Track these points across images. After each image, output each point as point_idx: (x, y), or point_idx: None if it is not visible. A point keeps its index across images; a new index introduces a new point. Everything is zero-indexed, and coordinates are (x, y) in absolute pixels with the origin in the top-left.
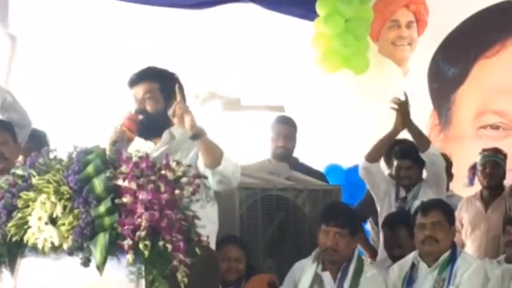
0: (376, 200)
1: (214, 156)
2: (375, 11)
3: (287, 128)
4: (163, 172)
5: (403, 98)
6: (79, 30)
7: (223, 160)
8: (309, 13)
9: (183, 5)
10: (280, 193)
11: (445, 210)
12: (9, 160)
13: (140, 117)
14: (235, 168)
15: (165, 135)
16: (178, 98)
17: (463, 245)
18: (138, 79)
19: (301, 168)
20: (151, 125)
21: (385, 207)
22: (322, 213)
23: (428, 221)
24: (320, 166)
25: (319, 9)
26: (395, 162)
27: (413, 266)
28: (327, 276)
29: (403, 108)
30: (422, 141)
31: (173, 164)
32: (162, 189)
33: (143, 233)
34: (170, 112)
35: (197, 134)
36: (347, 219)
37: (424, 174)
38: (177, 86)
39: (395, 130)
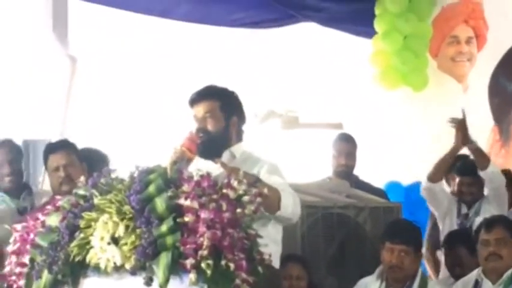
0: (438, 218)
1: (273, 204)
2: (434, 27)
3: (348, 145)
4: (224, 191)
5: (461, 116)
6: (139, 51)
7: (281, 203)
8: (368, 30)
9: (244, 24)
10: (342, 211)
11: (508, 226)
12: (75, 182)
13: (201, 135)
14: (294, 206)
15: (226, 154)
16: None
17: None
18: (198, 98)
19: (362, 185)
20: (212, 143)
21: (446, 225)
22: (386, 230)
23: (492, 238)
24: (380, 183)
25: (378, 26)
26: (457, 179)
27: (476, 283)
28: None
29: (461, 126)
30: (482, 159)
31: (234, 183)
32: (224, 208)
33: (205, 252)
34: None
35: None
36: (412, 237)
37: (486, 190)
38: (220, 163)
39: (456, 148)
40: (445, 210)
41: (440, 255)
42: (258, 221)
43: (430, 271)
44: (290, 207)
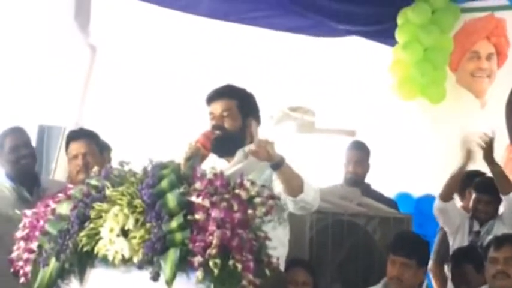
0: (449, 234)
1: (296, 184)
2: (456, 41)
3: (358, 153)
4: (237, 191)
5: (490, 135)
6: (160, 44)
7: (304, 187)
8: (389, 39)
9: (267, 25)
10: (352, 219)
11: None
12: None
13: (217, 133)
14: (316, 194)
15: (239, 153)
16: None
17: None
18: (217, 96)
19: (373, 194)
20: (227, 142)
21: (457, 241)
22: (392, 242)
23: (501, 256)
24: (390, 193)
25: (399, 36)
26: (474, 195)
27: None
28: None
29: (489, 146)
30: (506, 183)
31: (247, 184)
32: (235, 208)
33: (214, 251)
34: (251, 147)
35: (278, 164)
36: (415, 250)
37: (501, 210)
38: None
39: (464, 165)
40: (456, 227)
41: (448, 270)
42: (268, 223)
43: (435, 285)
44: (312, 192)
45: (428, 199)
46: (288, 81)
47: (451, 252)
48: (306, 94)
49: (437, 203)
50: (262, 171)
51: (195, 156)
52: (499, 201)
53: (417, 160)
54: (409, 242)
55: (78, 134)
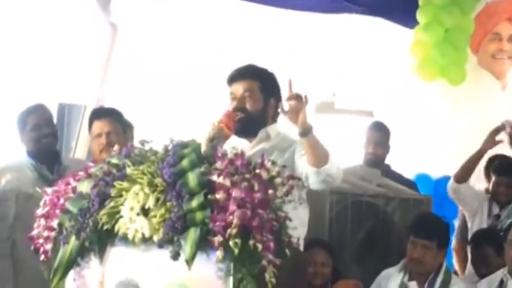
0: (467, 216)
1: (322, 154)
2: (477, 22)
3: (378, 134)
4: (257, 171)
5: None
6: (181, 23)
7: (329, 159)
8: (410, 21)
9: (288, 6)
10: (371, 200)
11: None
12: None
13: (239, 114)
14: (339, 169)
15: (261, 134)
16: (292, 91)
17: None
18: (239, 76)
19: (393, 175)
20: (249, 123)
21: (476, 224)
22: (412, 223)
23: None
24: (409, 174)
25: (420, 17)
26: (493, 178)
27: (501, 283)
28: (413, 286)
29: None
30: None
31: (268, 164)
32: (256, 188)
33: (234, 231)
34: (284, 105)
35: (306, 131)
36: (435, 232)
37: None
38: (289, 80)
39: (484, 149)
40: (475, 209)
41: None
42: (288, 204)
43: (456, 265)
44: (336, 165)
45: (447, 180)
46: (308, 62)
47: (470, 234)
48: (326, 74)
49: (451, 183)
50: (283, 152)
51: (218, 137)
52: None
53: (436, 141)
54: (430, 224)
55: (102, 113)
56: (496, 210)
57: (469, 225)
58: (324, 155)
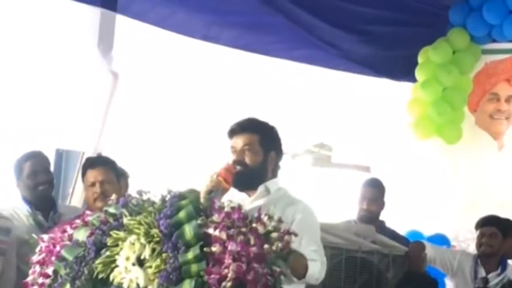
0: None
1: (300, 273)
2: (475, 82)
3: (373, 191)
4: (254, 225)
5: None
6: (182, 72)
7: (307, 273)
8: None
9: (289, 57)
10: (365, 256)
11: None
12: None
13: (238, 167)
14: (320, 274)
15: (261, 188)
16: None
17: None
18: (239, 129)
19: (387, 232)
20: (248, 177)
21: (459, 285)
22: (399, 280)
23: None
24: (401, 231)
25: (419, 74)
26: (477, 232)
27: None
28: None
29: None
30: None
31: (265, 218)
32: (252, 242)
33: (229, 284)
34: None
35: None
36: (419, 285)
37: None
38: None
39: None
40: (454, 270)
41: None
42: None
43: None
44: (316, 275)
45: (438, 238)
46: (307, 115)
47: None
48: (323, 128)
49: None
50: (282, 209)
51: (216, 190)
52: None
53: (430, 199)
54: (415, 279)
55: (96, 162)
56: (482, 272)
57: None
58: (301, 273)
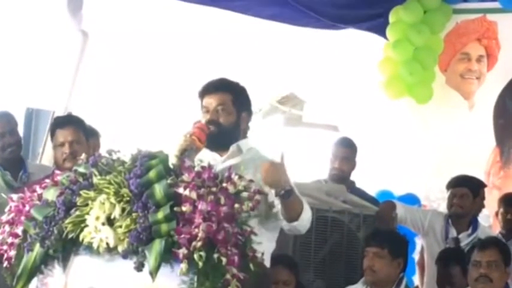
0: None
1: (295, 213)
2: (446, 42)
3: (345, 150)
4: (224, 185)
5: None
6: (152, 32)
7: (301, 216)
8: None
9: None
10: (336, 215)
11: (502, 249)
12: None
13: (212, 127)
14: (308, 220)
15: (232, 148)
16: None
17: None
18: (212, 89)
19: (357, 192)
20: (221, 136)
21: (430, 244)
22: (366, 236)
23: (484, 259)
24: (371, 191)
25: (390, 34)
26: (448, 192)
27: None
28: None
29: None
30: None
31: (235, 178)
32: (222, 201)
33: (199, 244)
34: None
35: (288, 194)
36: (387, 240)
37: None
38: (282, 154)
39: None
40: (424, 230)
41: None
42: (255, 218)
43: (418, 277)
44: (305, 221)
45: (409, 198)
46: (277, 73)
47: (425, 254)
48: (294, 87)
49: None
50: (254, 169)
51: (190, 149)
52: (477, 198)
53: (400, 159)
54: (382, 233)
55: (65, 121)
56: (453, 233)
57: (422, 244)
58: (296, 214)
